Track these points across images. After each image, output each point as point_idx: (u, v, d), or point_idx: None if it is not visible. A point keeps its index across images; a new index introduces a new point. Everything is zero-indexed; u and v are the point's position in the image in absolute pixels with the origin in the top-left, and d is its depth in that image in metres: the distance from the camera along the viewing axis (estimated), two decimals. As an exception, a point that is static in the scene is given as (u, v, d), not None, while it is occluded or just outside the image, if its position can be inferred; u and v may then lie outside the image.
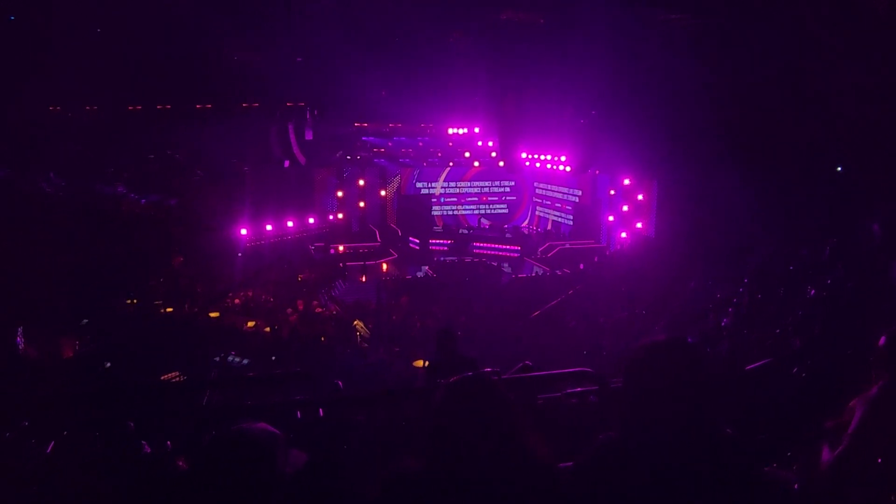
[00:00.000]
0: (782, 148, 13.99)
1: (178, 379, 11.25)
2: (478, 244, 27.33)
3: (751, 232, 14.80)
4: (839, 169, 14.01)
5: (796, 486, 2.39)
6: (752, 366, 5.11)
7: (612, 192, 24.60)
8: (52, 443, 4.18)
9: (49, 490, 3.57)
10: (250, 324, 16.92)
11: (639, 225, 22.60)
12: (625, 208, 23.39)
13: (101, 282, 16.93)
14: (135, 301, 17.93)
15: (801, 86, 13.18)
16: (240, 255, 22.82)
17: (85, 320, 15.04)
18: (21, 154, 19.87)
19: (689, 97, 15.58)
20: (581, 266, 22.80)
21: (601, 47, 16.09)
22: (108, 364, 12.82)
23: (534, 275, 24.07)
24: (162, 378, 11.17)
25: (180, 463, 4.30)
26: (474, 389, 1.82)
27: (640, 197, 22.72)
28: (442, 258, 26.57)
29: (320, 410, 4.21)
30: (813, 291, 10.16)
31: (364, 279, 23.63)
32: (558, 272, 22.79)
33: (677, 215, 19.01)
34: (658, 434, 1.75)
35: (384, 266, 25.49)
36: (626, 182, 23.29)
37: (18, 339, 13.47)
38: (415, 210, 30.20)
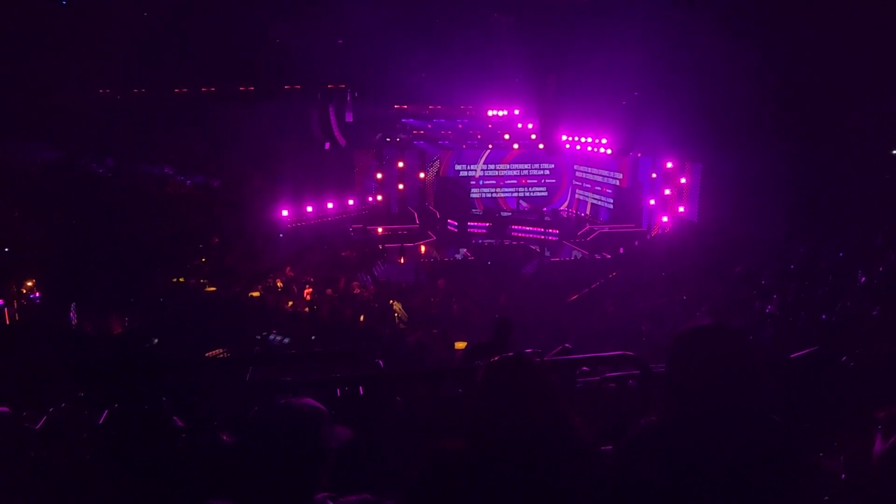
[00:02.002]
0: (833, 131, 13.49)
1: (222, 355, 11.55)
2: (516, 227, 27.20)
3: (799, 217, 14.37)
4: (895, 152, 13.47)
5: (843, 475, 2.34)
6: (798, 354, 4.99)
7: (654, 176, 24.13)
8: (105, 413, 4.34)
9: (101, 457, 3.72)
10: (290, 303, 17.24)
11: (681, 209, 22.15)
12: (667, 192, 22.94)
13: (148, 261, 17.43)
14: (180, 280, 18.42)
15: (854, 66, 12.66)
16: (281, 235, 23.20)
17: (133, 298, 15.53)
18: (72, 136, 20.49)
19: (736, 78, 15.12)
20: (621, 250, 22.50)
21: (645, 26, 15.72)
22: (155, 340, 13.24)
23: (572, 258, 23.86)
24: (206, 354, 11.48)
25: (224, 437, 4.43)
26: (516, 369, 1.83)
27: (682, 180, 22.24)
28: (480, 241, 26.53)
29: (360, 389, 4.27)
30: (864, 279, 9.84)
31: (402, 261, 23.77)
32: (597, 256, 22.55)
33: (722, 199, 18.55)
34: (702, 419, 1.74)
35: (422, 248, 25.59)
36: (669, 165, 22.81)
37: (72, 314, 14.03)
38: (453, 192, 30.16)
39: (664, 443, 1.77)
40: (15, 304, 15.79)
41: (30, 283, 16.42)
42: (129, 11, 18.47)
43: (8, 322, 15.23)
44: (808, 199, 13.93)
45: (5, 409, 3.31)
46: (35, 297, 16.32)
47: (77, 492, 3.24)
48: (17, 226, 19.05)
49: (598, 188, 28.75)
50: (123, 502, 3.23)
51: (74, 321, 14.42)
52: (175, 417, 4.36)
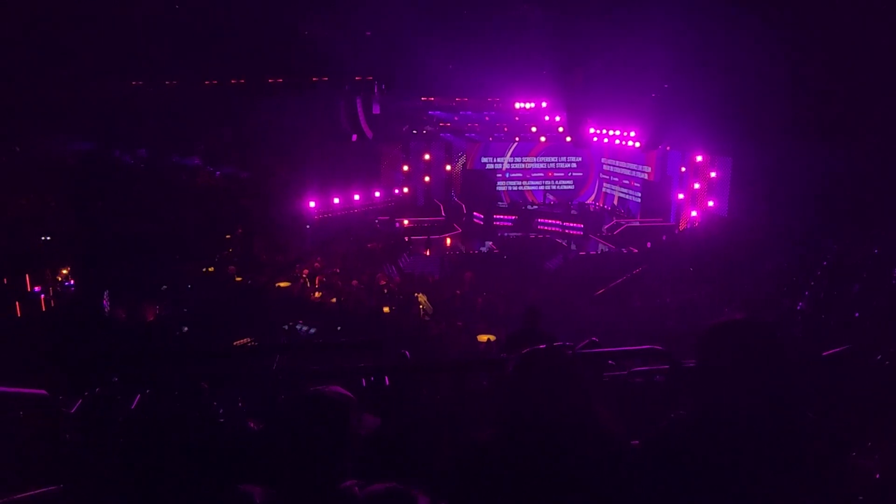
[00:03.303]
0: (868, 126, 13.14)
1: (249, 344, 11.70)
2: (542, 220, 27.07)
3: (831, 213, 14.06)
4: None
5: (877, 475, 2.30)
6: (830, 352, 4.89)
7: (683, 169, 23.80)
8: (137, 398, 4.44)
9: (134, 442, 3.80)
10: (317, 294, 17.39)
11: (710, 203, 21.83)
12: (696, 186, 22.62)
13: (178, 250, 17.72)
14: (210, 269, 18.69)
15: (891, 61, 12.30)
16: (308, 226, 23.39)
17: (164, 286, 15.80)
18: (106, 128, 20.89)
19: (769, 71, 14.80)
20: (648, 244, 22.27)
21: (675, 17, 15.45)
22: (185, 328, 13.47)
23: (599, 252, 23.68)
24: (234, 343, 11.65)
25: (251, 424, 4.50)
26: (546, 361, 1.82)
27: (712, 174, 21.90)
28: (506, 234, 26.46)
29: (386, 379, 4.30)
30: (900, 276, 9.61)
31: (428, 253, 23.82)
32: (624, 250, 22.36)
33: (753, 195, 18.23)
34: (733, 414, 1.72)
35: (448, 240, 25.62)
36: (699, 159, 22.48)
37: (105, 302, 14.34)
38: (480, 185, 30.12)
39: (694, 437, 1.76)
40: (51, 292, 16.19)
41: (65, 272, 16.80)
42: (162, 4, 18.73)
43: (44, 309, 15.62)
44: (841, 195, 13.61)
45: (43, 392, 3.41)
46: (70, 285, 16.70)
47: (109, 474, 3.32)
48: (53, 215, 19.50)
49: (626, 182, 28.47)
50: (153, 486, 3.30)
51: (107, 309, 14.73)
52: (200, 409, 4.43)
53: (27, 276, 15.63)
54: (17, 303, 15.13)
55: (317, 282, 18.30)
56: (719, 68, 16.37)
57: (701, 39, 16.21)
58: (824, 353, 4.80)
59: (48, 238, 18.04)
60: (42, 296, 15.82)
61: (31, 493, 2.95)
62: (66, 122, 20.07)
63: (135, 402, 4.42)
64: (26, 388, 3.39)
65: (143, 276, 15.31)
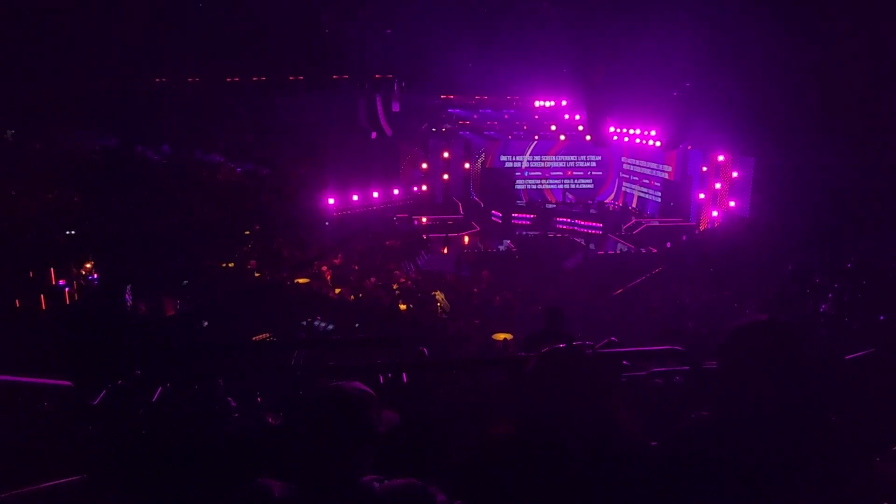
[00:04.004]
0: (893, 127, 12.90)
1: (268, 339, 11.79)
2: (561, 219, 26.94)
3: (856, 214, 13.83)
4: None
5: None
6: (853, 355, 4.81)
7: (705, 169, 23.56)
8: (158, 391, 4.50)
9: (156, 434, 3.85)
10: (336, 291, 17.48)
11: (732, 204, 21.58)
12: (717, 186, 22.37)
13: (199, 246, 17.93)
14: (230, 265, 18.88)
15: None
16: (327, 223, 23.53)
17: (185, 281, 15.99)
18: (129, 124, 21.18)
19: (794, 70, 14.58)
20: (668, 245, 22.08)
21: (698, 14, 15.29)
22: (206, 323, 13.62)
23: (617, 252, 23.53)
24: (253, 338, 11.75)
25: (269, 419, 4.54)
26: (566, 360, 1.82)
27: (734, 174, 21.65)
28: (524, 232, 26.38)
29: (404, 376, 4.31)
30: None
31: (446, 251, 23.83)
32: (643, 250, 22.18)
33: (776, 195, 17.99)
34: (755, 416, 1.70)
35: (466, 239, 25.60)
36: (721, 158, 22.23)
37: (127, 296, 14.55)
38: (498, 183, 30.05)
39: (715, 439, 1.74)
40: (74, 285, 16.46)
41: (88, 265, 17.08)
42: (185, 1, 18.94)
43: (68, 302, 15.89)
44: (866, 196, 13.39)
45: (68, 383, 3.46)
46: (93, 279, 16.96)
47: (130, 466, 3.37)
48: (78, 210, 19.83)
49: (646, 181, 28.24)
50: (172, 478, 3.34)
51: (129, 303, 14.95)
52: (229, 398, 4.48)
53: (52, 269, 15.91)
54: (41, 296, 15.41)
55: (336, 279, 18.40)
56: (743, 66, 16.16)
57: (725, 37, 16.01)
58: (847, 357, 4.73)
59: (72, 232, 18.35)
60: (66, 289, 16.09)
61: (54, 482, 2.99)
62: (90, 119, 20.39)
63: (156, 396, 4.48)
64: (51, 379, 3.44)
65: (165, 271, 15.51)
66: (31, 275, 15.54)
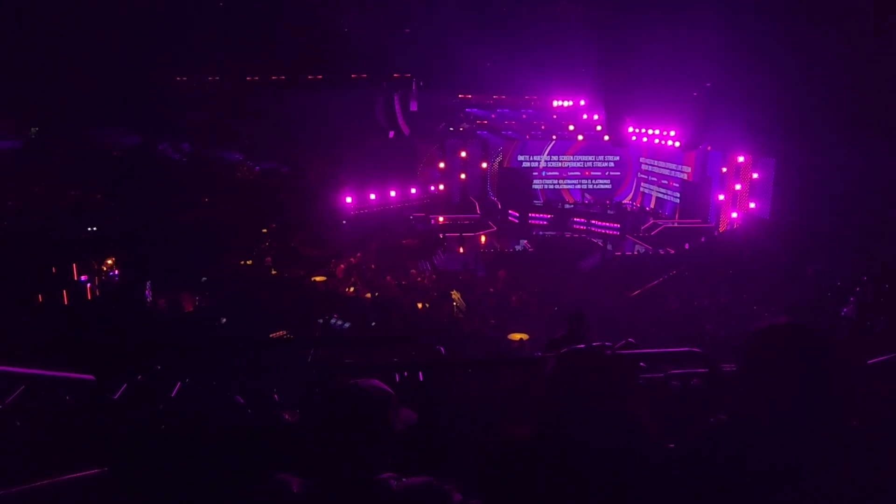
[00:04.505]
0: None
1: (285, 337, 11.87)
2: (578, 219, 26.82)
3: (878, 216, 13.61)
4: None
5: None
6: (876, 359, 4.74)
7: (724, 170, 23.33)
8: (178, 386, 4.56)
9: (174, 428, 3.90)
10: (352, 289, 17.56)
11: (752, 205, 21.35)
12: (737, 187, 22.14)
13: (218, 243, 18.09)
14: (248, 262, 19.04)
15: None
16: (344, 222, 23.62)
17: (204, 278, 16.15)
18: (151, 122, 21.43)
19: (815, 70, 14.37)
20: (686, 246, 21.89)
21: (719, 14, 15.13)
22: (224, 319, 13.75)
23: (635, 253, 23.37)
24: (270, 335, 11.84)
25: (286, 415, 4.57)
26: (585, 361, 1.82)
27: (755, 175, 21.41)
28: (541, 232, 26.30)
29: (420, 374, 4.32)
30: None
31: (462, 250, 23.85)
32: (661, 251, 22.02)
33: (797, 196, 17.75)
34: (775, 420, 1.68)
35: (482, 238, 25.59)
36: (741, 159, 21.99)
37: (147, 292, 14.73)
38: (515, 183, 29.98)
39: (733, 442, 1.73)
40: (96, 281, 16.69)
41: (110, 262, 17.31)
42: (205, 2, 19.13)
43: (90, 297, 16.13)
44: (891, 198, 13.17)
45: (91, 377, 3.52)
46: (114, 275, 17.20)
47: (150, 460, 3.42)
48: (100, 207, 20.11)
49: (665, 182, 28.02)
50: (192, 472, 3.38)
51: (149, 299, 15.14)
52: (237, 397, 4.52)
53: (74, 265, 16.15)
54: (64, 291, 15.65)
55: (355, 277, 18.48)
56: (764, 67, 15.97)
57: (747, 35, 15.85)
58: (869, 361, 4.66)
59: (94, 229, 18.60)
60: (88, 284, 16.33)
61: (76, 475, 3.04)
62: (112, 117, 20.65)
63: (175, 391, 4.54)
64: (75, 373, 3.50)
65: (184, 268, 15.67)
66: (53, 270, 15.79)
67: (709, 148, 24.12)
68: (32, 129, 22.50)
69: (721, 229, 23.30)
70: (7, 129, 21.91)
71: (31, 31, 17.53)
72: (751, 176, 21.59)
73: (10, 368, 3.23)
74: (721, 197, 23.49)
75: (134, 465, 3.35)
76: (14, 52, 18.05)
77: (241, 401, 4.59)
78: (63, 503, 2.94)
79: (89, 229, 18.57)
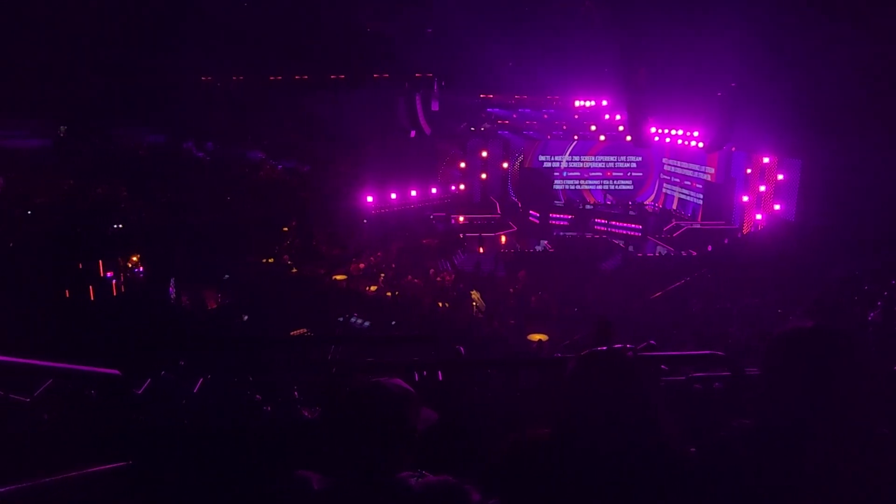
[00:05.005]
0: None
1: (306, 335, 11.96)
2: (599, 220, 26.65)
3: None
4: None
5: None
6: (904, 366, 4.65)
7: (749, 171, 23.02)
8: (200, 382, 4.61)
9: (196, 424, 3.96)
10: (372, 288, 17.63)
11: (777, 207, 21.04)
12: (762, 188, 21.83)
13: (240, 241, 18.28)
14: (270, 260, 19.21)
15: None
16: (365, 221, 23.73)
17: (226, 276, 16.32)
18: (176, 121, 21.72)
19: (843, 69, 14.11)
20: (709, 248, 21.64)
21: (744, 13, 14.93)
22: (245, 317, 13.89)
23: (657, 254, 23.17)
24: (291, 333, 11.94)
25: (305, 412, 4.61)
26: (607, 362, 1.80)
27: (780, 177, 21.10)
28: (561, 233, 26.19)
29: (439, 374, 4.33)
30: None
31: (482, 250, 23.82)
32: (683, 253, 21.80)
33: (824, 198, 17.45)
34: (799, 426, 1.66)
35: (503, 238, 25.54)
36: (766, 160, 21.68)
37: (171, 289, 14.93)
38: (536, 183, 29.88)
39: (758, 448, 1.70)
40: (121, 278, 16.96)
41: (135, 259, 17.57)
42: (229, 2, 19.33)
43: (115, 294, 16.39)
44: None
45: (116, 371, 3.57)
46: (139, 272, 17.45)
47: (172, 454, 3.46)
48: (125, 205, 20.43)
49: (688, 183, 27.74)
50: (214, 467, 3.43)
51: (173, 295, 15.34)
52: (258, 395, 4.56)
53: (100, 262, 16.42)
54: (90, 287, 15.92)
55: (373, 276, 18.55)
56: (791, 66, 15.72)
57: (772, 36, 15.61)
58: (897, 367, 4.57)
59: (120, 226, 18.89)
60: (114, 281, 16.60)
61: (100, 468, 3.09)
62: (138, 116, 20.95)
63: (197, 387, 4.60)
64: (100, 368, 3.56)
65: (207, 265, 15.86)
66: (80, 266, 16.07)
67: (733, 149, 23.83)
68: (61, 128, 22.93)
69: (745, 231, 23.00)
70: (37, 129, 22.36)
71: (58, 33, 17.86)
72: (776, 177, 21.28)
73: (39, 362, 3.29)
74: (745, 198, 23.19)
75: (156, 460, 3.39)
76: (42, 53, 18.41)
77: (259, 398, 4.65)
78: (88, 495, 2.99)
79: (115, 227, 18.87)
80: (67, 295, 15.15)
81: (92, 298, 15.69)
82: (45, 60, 18.66)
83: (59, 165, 21.37)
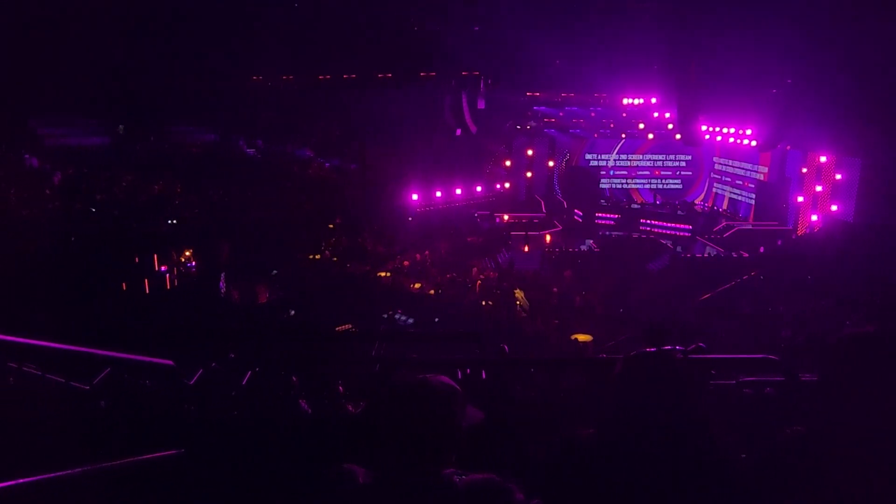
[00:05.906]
0: None
1: (351, 330, 12.10)
2: (646, 220, 26.13)
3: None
4: None
5: None
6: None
7: (804, 170, 22.24)
8: (248, 374, 4.72)
9: (245, 415, 4.06)
10: (417, 285, 17.72)
11: (834, 208, 20.27)
12: (818, 188, 21.07)
13: (289, 237, 18.63)
14: (317, 256, 19.51)
15: None
16: (410, 219, 23.86)
17: (275, 271, 16.65)
18: (227, 120, 22.28)
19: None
20: (761, 249, 21.00)
21: (800, 5, 14.43)
22: (293, 312, 14.15)
23: (706, 255, 22.62)
24: (337, 329, 12.11)
25: (349, 407, 4.67)
26: (656, 365, 1.78)
27: (837, 177, 20.32)
28: (607, 232, 25.80)
29: (483, 372, 4.33)
30: None
31: (527, 249, 23.66)
32: (734, 254, 21.21)
33: (884, 198, 16.75)
34: (855, 434, 1.60)
35: (547, 237, 25.32)
36: (823, 159, 20.91)
37: (221, 283, 15.32)
38: (582, 182, 29.49)
39: (812, 455, 1.65)
40: (175, 272, 17.48)
41: (188, 253, 18.09)
42: (280, 3, 19.70)
43: (168, 287, 16.91)
44: None
45: (170, 362, 3.69)
46: (191, 266, 17.96)
47: (222, 443, 3.56)
48: (179, 200, 21.06)
49: (739, 182, 26.97)
50: (262, 457, 3.50)
51: (223, 290, 15.73)
52: (302, 402, 4.63)
53: (155, 256, 16.96)
54: (146, 280, 16.47)
55: (417, 273, 18.65)
56: (849, 61, 15.12)
57: (829, 31, 15.05)
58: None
59: (174, 221, 19.47)
60: (167, 275, 17.12)
61: (153, 455, 3.20)
62: (192, 115, 21.57)
63: (246, 378, 4.71)
64: (156, 358, 3.68)
65: (257, 261, 16.21)
66: (136, 260, 16.63)
67: (787, 147, 23.07)
68: (120, 126, 23.78)
69: (799, 232, 22.25)
70: (97, 127, 23.26)
71: (117, 34, 18.51)
72: (833, 177, 20.52)
73: (98, 351, 3.42)
74: (800, 199, 22.42)
75: (207, 448, 3.49)
76: (102, 54, 19.11)
77: (304, 391, 4.73)
78: (142, 482, 3.10)
79: (170, 222, 19.46)
80: (125, 288, 15.70)
81: (147, 292, 16.22)
82: (104, 62, 19.38)
83: (118, 163, 22.16)
